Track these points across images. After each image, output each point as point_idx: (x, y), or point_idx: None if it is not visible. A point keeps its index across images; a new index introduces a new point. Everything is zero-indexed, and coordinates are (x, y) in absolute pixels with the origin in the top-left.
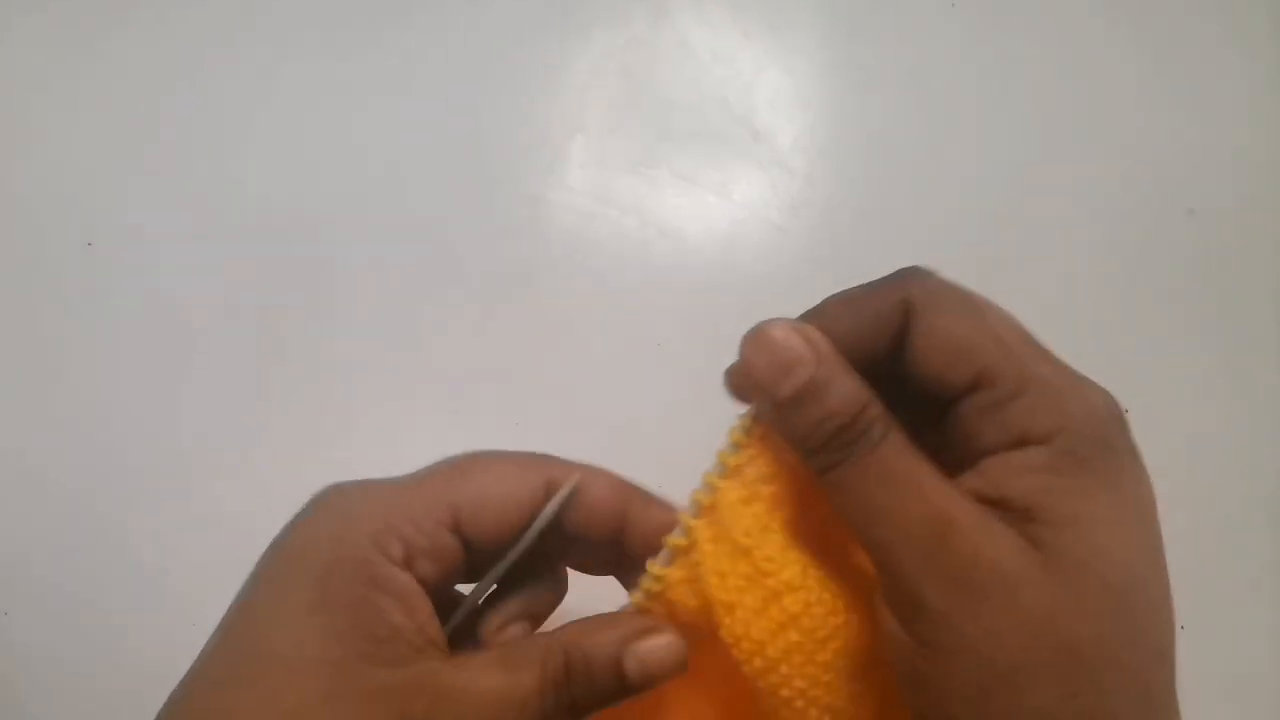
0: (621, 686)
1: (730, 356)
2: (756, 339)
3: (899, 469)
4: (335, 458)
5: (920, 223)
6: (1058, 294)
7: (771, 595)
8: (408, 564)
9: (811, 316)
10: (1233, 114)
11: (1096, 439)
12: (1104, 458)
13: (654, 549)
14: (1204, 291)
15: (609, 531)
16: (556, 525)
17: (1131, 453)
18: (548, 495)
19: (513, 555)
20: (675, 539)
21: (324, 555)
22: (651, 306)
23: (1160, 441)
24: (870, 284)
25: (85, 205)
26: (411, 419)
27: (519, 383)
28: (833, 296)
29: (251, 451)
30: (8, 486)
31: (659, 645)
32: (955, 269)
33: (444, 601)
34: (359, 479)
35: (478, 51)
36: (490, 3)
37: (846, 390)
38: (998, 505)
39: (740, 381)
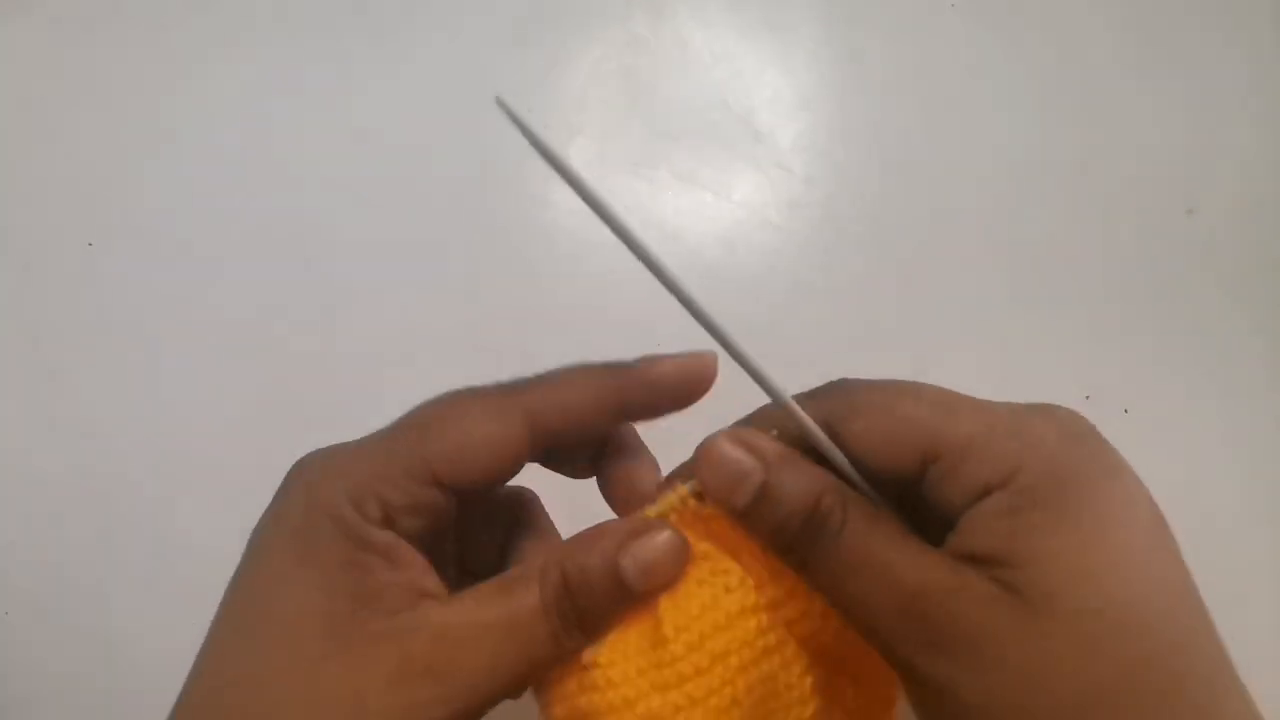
0: (623, 590)
1: (728, 356)
2: (704, 456)
3: (864, 553)
4: None
5: (920, 223)
6: (1057, 294)
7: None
8: (387, 523)
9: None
10: (1233, 114)
11: (1055, 468)
12: (1070, 483)
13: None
14: (1204, 291)
15: (610, 425)
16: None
17: (1104, 465)
18: (530, 430)
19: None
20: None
21: (303, 517)
22: (651, 306)
23: (1159, 441)
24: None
25: (85, 205)
26: None
27: None
28: (766, 408)
29: (252, 452)
30: (7, 486)
31: (656, 543)
32: (954, 269)
33: (440, 550)
34: (332, 444)
35: (477, 52)
36: (490, 3)
37: (797, 487)
38: (974, 560)
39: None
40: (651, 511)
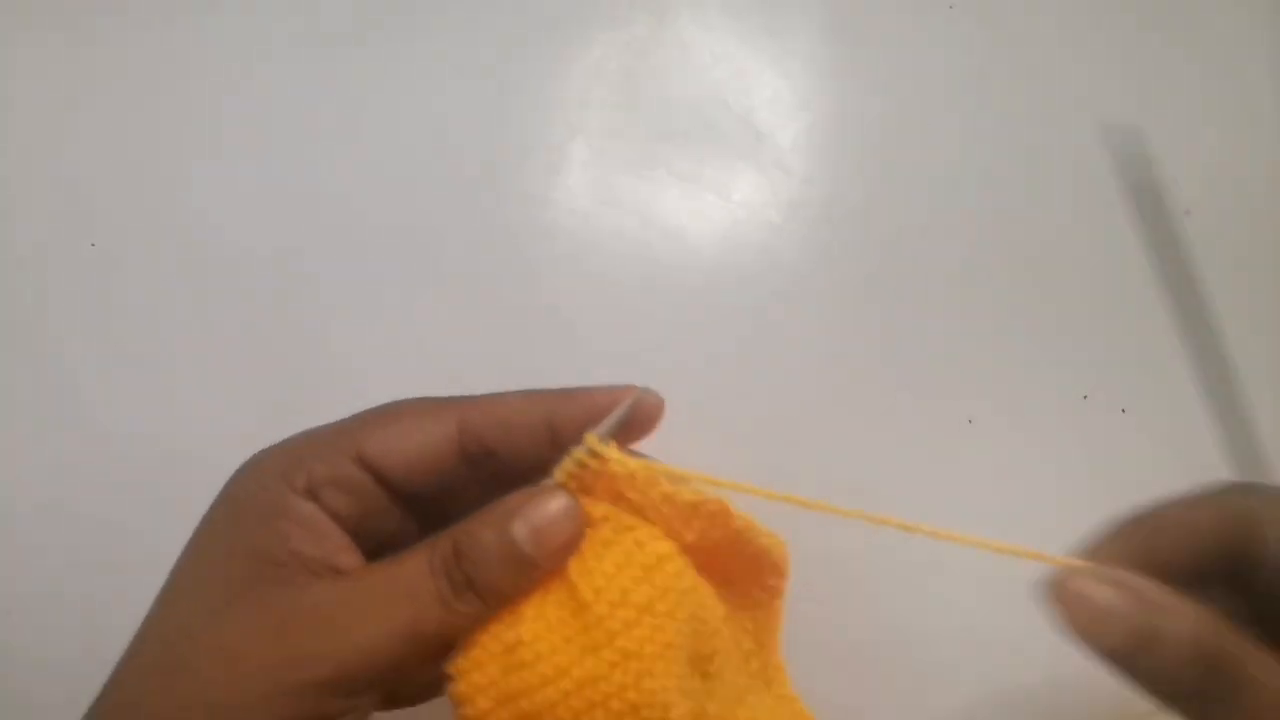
0: (517, 555)
1: (728, 356)
2: (1061, 596)
3: None
4: None
5: (919, 223)
6: (1057, 294)
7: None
8: (311, 493)
9: (1134, 536)
10: (1232, 114)
11: None
12: None
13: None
14: (1203, 292)
15: (540, 444)
16: (483, 466)
17: None
18: (460, 432)
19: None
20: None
21: (236, 488)
22: (652, 306)
23: (1159, 441)
24: (1194, 499)
25: (87, 205)
26: None
27: (519, 383)
28: (1156, 513)
29: (250, 452)
30: (6, 487)
31: (547, 508)
32: (954, 270)
33: (377, 541)
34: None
35: (478, 53)
36: (490, 4)
37: (1186, 630)
38: None
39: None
40: (552, 479)
